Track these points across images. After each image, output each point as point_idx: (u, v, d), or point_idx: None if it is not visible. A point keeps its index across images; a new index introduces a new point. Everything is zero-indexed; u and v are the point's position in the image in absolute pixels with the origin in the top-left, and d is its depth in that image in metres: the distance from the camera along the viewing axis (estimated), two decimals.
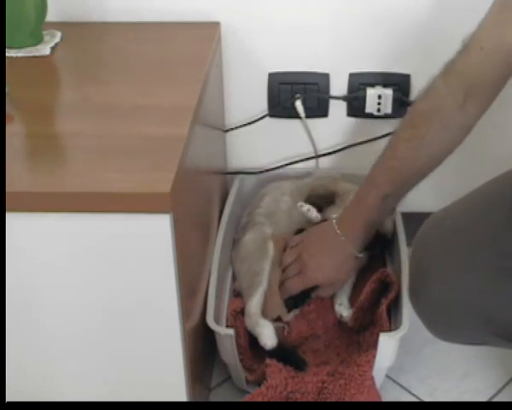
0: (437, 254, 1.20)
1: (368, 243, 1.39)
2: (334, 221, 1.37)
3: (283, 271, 1.45)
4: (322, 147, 1.70)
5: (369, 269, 1.55)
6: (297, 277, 1.42)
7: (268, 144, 1.71)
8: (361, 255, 1.39)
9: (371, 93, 1.62)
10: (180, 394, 1.20)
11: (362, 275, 1.53)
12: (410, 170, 1.25)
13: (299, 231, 1.51)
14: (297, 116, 1.65)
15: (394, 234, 1.54)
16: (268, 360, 1.35)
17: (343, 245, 1.36)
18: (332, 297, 1.51)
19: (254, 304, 1.40)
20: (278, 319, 1.44)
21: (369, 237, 1.38)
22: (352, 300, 1.49)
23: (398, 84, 1.62)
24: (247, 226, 1.56)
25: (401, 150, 1.25)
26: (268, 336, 1.36)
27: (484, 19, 1.13)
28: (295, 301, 1.47)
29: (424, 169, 1.25)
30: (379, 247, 1.53)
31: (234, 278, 1.54)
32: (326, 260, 1.39)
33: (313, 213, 1.48)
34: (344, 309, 1.47)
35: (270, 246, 1.47)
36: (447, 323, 1.22)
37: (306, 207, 1.49)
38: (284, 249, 1.48)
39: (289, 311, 1.46)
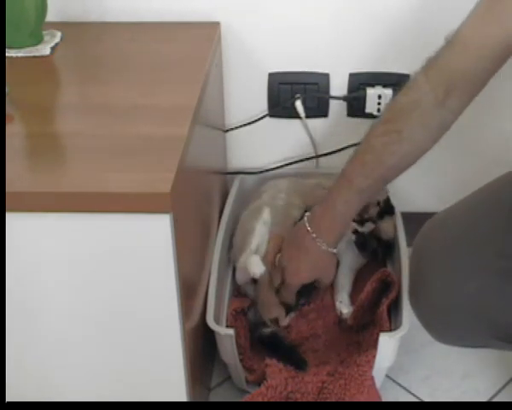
0: (437, 256, 1.20)
1: (341, 238, 1.35)
2: (305, 219, 1.33)
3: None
4: (322, 147, 1.70)
5: (369, 268, 1.55)
6: (282, 287, 1.39)
7: (268, 144, 1.71)
8: (335, 251, 1.33)
9: (371, 93, 1.62)
10: (180, 394, 1.20)
11: (362, 273, 1.54)
12: (385, 165, 1.21)
13: None
14: (297, 116, 1.65)
15: (394, 234, 1.54)
16: (268, 360, 1.35)
17: (315, 243, 1.31)
18: (333, 295, 1.51)
19: (242, 260, 1.42)
20: (275, 321, 1.44)
21: (343, 231, 1.33)
22: (353, 298, 1.50)
23: (398, 84, 1.61)
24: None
25: (377, 145, 1.21)
26: (256, 264, 1.38)
27: (468, 16, 1.12)
28: (296, 303, 1.47)
29: (400, 165, 1.21)
30: (381, 253, 1.53)
31: (234, 277, 1.54)
32: (301, 262, 1.35)
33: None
34: (344, 306, 1.48)
35: (266, 211, 1.48)
36: (447, 325, 1.21)
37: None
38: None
39: (287, 312, 1.46)
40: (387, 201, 1.53)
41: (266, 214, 1.48)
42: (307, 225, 1.31)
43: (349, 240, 1.54)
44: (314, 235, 1.30)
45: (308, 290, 1.45)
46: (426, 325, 1.24)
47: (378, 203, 1.51)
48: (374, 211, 1.51)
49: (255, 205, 1.55)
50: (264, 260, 1.41)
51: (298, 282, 1.37)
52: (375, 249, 1.52)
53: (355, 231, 1.50)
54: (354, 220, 1.48)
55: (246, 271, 1.42)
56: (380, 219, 1.52)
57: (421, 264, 1.23)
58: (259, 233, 1.46)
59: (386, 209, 1.53)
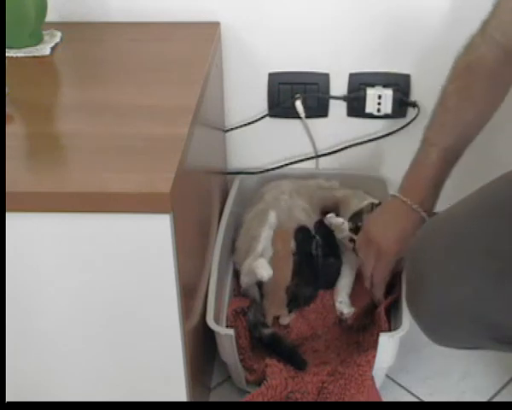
0: (434, 258, 1.19)
1: (435, 203, 1.34)
2: (395, 194, 1.34)
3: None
4: (322, 147, 1.70)
5: None
6: (378, 265, 1.38)
7: (268, 144, 1.71)
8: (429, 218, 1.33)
9: (371, 93, 1.62)
10: (180, 394, 1.20)
11: (362, 275, 1.54)
12: (462, 122, 1.27)
13: (301, 228, 1.51)
14: (297, 116, 1.65)
15: None
16: (268, 360, 1.35)
17: (411, 212, 1.32)
18: (333, 296, 1.51)
19: (247, 263, 1.42)
20: (276, 320, 1.45)
21: (435, 198, 1.33)
22: (352, 298, 1.50)
23: (398, 84, 1.62)
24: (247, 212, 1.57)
25: (451, 102, 1.27)
26: (263, 267, 1.38)
27: None
28: (298, 303, 1.47)
29: (476, 121, 1.27)
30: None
31: (234, 277, 1.54)
32: (398, 232, 1.34)
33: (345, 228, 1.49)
34: (345, 307, 1.48)
35: (271, 214, 1.47)
36: (445, 327, 1.21)
37: (340, 220, 1.49)
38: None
39: (290, 311, 1.47)
40: (379, 205, 1.52)
41: (272, 218, 1.48)
42: (402, 197, 1.32)
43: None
44: (411, 203, 1.31)
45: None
46: (423, 327, 1.24)
47: (372, 208, 1.50)
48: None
49: (259, 208, 1.54)
50: (271, 262, 1.41)
51: (396, 248, 1.35)
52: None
53: (351, 240, 1.49)
54: (350, 229, 1.49)
55: (251, 274, 1.41)
56: None
57: (418, 266, 1.22)
58: (265, 238, 1.46)
59: None
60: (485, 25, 1.22)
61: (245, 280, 1.45)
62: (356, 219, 1.49)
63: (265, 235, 1.45)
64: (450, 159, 1.30)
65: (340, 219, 1.50)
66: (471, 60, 1.25)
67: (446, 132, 1.29)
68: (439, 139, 1.29)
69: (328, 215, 1.51)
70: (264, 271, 1.38)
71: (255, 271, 1.39)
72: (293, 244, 1.48)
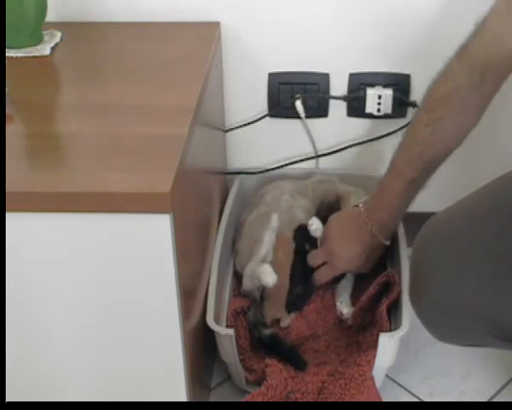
0: (437, 255, 1.20)
1: (394, 231, 1.41)
2: (361, 210, 1.40)
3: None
4: (322, 147, 1.70)
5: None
6: (325, 268, 1.45)
7: (268, 144, 1.71)
8: (388, 243, 1.41)
9: (371, 93, 1.62)
10: (180, 394, 1.20)
11: (362, 274, 1.54)
12: (431, 154, 1.28)
13: (299, 228, 1.51)
14: (297, 116, 1.65)
15: (394, 234, 1.53)
16: (268, 360, 1.35)
17: (372, 235, 1.38)
18: (333, 296, 1.51)
19: (250, 267, 1.42)
20: (277, 322, 1.45)
21: (396, 225, 1.41)
22: (353, 298, 1.50)
23: (398, 84, 1.62)
24: (248, 214, 1.57)
25: (421, 135, 1.28)
26: (268, 273, 1.38)
27: (495, 3, 1.16)
28: (296, 305, 1.47)
29: (445, 151, 1.28)
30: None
31: (234, 277, 1.54)
32: (354, 250, 1.41)
33: (318, 233, 1.50)
34: (345, 307, 1.48)
35: (274, 217, 1.48)
36: (447, 324, 1.21)
37: (314, 225, 1.50)
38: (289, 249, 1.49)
39: (289, 312, 1.47)
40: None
41: (275, 221, 1.48)
42: (365, 216, 1.37)
43: None
44: (373, 227, 1.36)
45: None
46: (426, 323, 1.24)
47: None
48: None
49: (262, 211, 1.54)
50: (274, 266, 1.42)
51: (345, 268, 1.44)
52: None
53: None
54: None
55: (255, 279, 1.42)
56: None
57: (421, 263, 1.23)
58: (268, 241, 1.46)
59: None
60: (465, 48, 1.21)
61: (248, 284, 1.45)
62: None
63: (268, 238, 1.45)
64: (414, 189, 1.34)
65: (314, 225, 1.50)
66: (446, 91, 1.24)
67: (413, 165, 1.31)
68: (405, 170, 1.32)
69: (310, 221, 1.51)
70: (269, 277, 1.38)
71: (260, 276, 1.39)
72: (293, 248, 1.49)
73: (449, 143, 1.27)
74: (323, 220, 1.51)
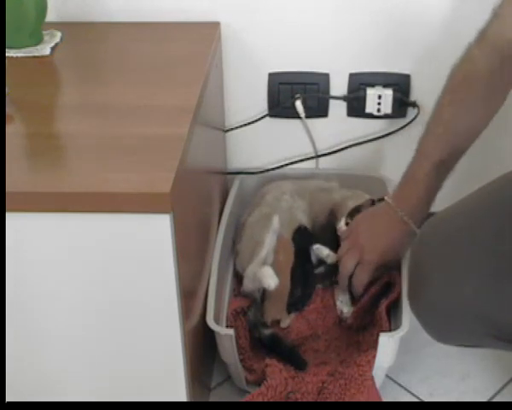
0: (437, 255, 1.20)
1: (425, 217, 1.36)
2: (388, 201, 1.37)
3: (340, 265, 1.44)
4: (322, 147, 1.70)
5: None
6: (359, 270, 1.41)
7: (268, 144, 1.71)
8: (418, 231, 1.35)
9: (371, 93, 1.62)
10: (180, 394, 1.20)
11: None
12: (456, 134, 1.28)
13: (299, 229, 1.51)
14: (297, 116, 1.65)
15: None
16: (268, 360, 1.35)
17: (401, 222, 1.35)
18: (333, 295, 1.51)
19: (251, 268, 1.42)
20: (277, 323, 1.45)
21: (427, 210, 1.36)
22: (353, 298, 1.50)
23: (398, 84, 1.62)
24: (249, 214, 1.57)
25: (444, 115, 1.28)
26: (270, 276, 1.38)
27: None
28: (296, 305, 1.47)
29: (470, 134, 1.28)
30: None
31: (234, 277, 1.54)
32: (385, 241, 1.38)
33: (329, 258, 1.50)
34: (345, 306, 1.48)
35: (275, 219, 1.47)
36: (445, 325, 1.21)
37: (325, 252, 1.50)
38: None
39: (289, 313, 1.47)
40: (380, 200, 1.52)
41: (276, 223, 1.48)
42: (393, 205, 1.35)
43: None
44: (402, 213, 1.33)
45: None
46: (424, 323, 1.24)
47: (372, 203, 1.50)
48: None
49: (263, 212, 1.54)
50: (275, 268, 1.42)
51: (380, 259, 1.39)
52: None
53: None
54: (346, 224, 1.49)
55: (256, 281, 1.42)
56: None
57: (419, 264, 1.23)
58: (269, 243, 1.46)
59: None
60: (484, 33, 1.22)
61: (249, 286, 1.44)
62: (355, 215, 1.49)
63: (269, 240, 1.46)
64: (442, 172, 1.33)
65: (325, 251, 1.50)
66: (467, 72, 1.25)
67: (440, 146, 1.30)
68: (432, 152, 1.31)
69: (315, 247, 1.51)
70: (270, 280, 1.38)
71: (261, 279, 1.39)
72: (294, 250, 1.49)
73: (472, 123, 1.27)
74: (318, 236, 1.52)
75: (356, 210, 1.50)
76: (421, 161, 1.33)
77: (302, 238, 1.51)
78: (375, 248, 1.39)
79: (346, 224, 1.49)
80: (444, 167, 1.32)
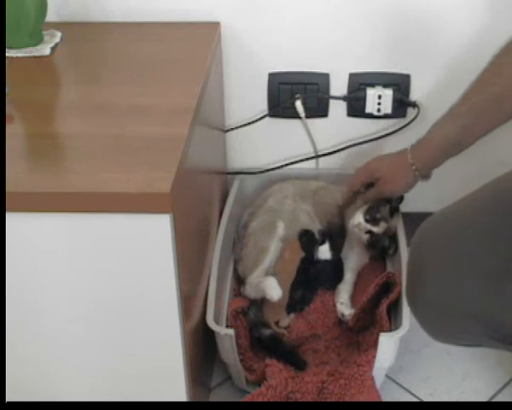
0: (434, 254, 1.20)
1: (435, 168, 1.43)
2: (408, 149, 1.42)
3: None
4: (322, 147, 1.70)
5: (369, 269, 1.55)
6: (370, 191, 1.50)
7: (268, 144, 1.71)
8: (426, 180, 1.43)
9: (371, 93, 1.62)
10: (180, 394, 1.20)
11: (362, 275, 1.54)
12: (488, 94, 1.28)
13: (305, 233, 1.51)
14: (297, 116, 1.65)
15: (394, 234, 1.53)
16: (268, 360, 1.35)
17: (412, 172, 1.41)
18: (333, 296, 1.51)
19: (255, 276, 1.42)
20: (277, 323, 1.45)
21: (437, 164, 1.41)
22: (353, 299, 1.50)
23: (398, 84, 1.62)
24: (252, 219, 1.57)
25: (481, 77, 1.28)
26: (273, 287, 1.39)
27: None
28: (295, 306, 1.47)
29: (501, 95, 1.28)
30: (394, 249, 1.52)
31: (234, 277, 1.54)
32: (397, 181, 1.46)
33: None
34: (345, 308, 1.48)
35: (280, 226, 1.48)
36: (442, 324, 1.21)
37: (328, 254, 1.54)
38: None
39: (289, 313, 1.47)
40: (396, 200, 1.53)
41: (281, 230, 1.49)
42: (409, 156, 1.41)
43: (352, 242, 1.54)
44: (414, 166, 1.41)
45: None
46: (421, 322, 1.24)
47: (388, 202, 1.51)
48: (385, 210, 1.51)
49: (267, 218, 1.54)
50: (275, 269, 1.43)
51: (390, 190, 1.49)
52: (385, 247, 1.52)
53: (368, 232, 1.50)
54: (367, 221, 1.49)
55: (259, 290, 1.42)
56: (391, 217, 1.52)
57: (418, 263, 1.23)
58: (273, 250, 1.46)
59: (395, 208, 1.53)
60: None
61: (252, 294, 1.45)
62: (372, 212, 1.49)
63: (274, 248, 1.46)
64: (462, 135, 1.34)
65: (329, 253, 1.54)
66: (509, 42, 1.25)
67: (470, 107, 1.31)
68: (463, 113, 1.32)
69: (320, 247, 1.54)
70: (274, 292, 1.40)
71: (265, 290, 1.40)
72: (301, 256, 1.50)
73: (504, 83, 1.27)
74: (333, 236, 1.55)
75: (372, 207, 1.50)
76: (447, 120, 1.35)
77: (306, 242, 1.51)
78: (389, 183, 1.47)
79: (366, 221, 1.50)
80: (465, 131, 1.33)
